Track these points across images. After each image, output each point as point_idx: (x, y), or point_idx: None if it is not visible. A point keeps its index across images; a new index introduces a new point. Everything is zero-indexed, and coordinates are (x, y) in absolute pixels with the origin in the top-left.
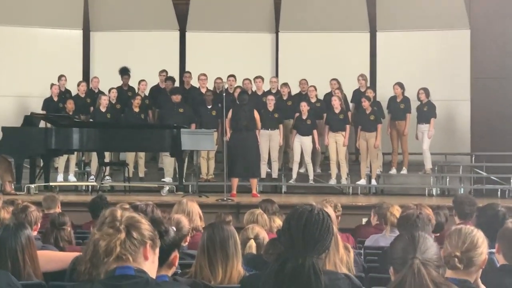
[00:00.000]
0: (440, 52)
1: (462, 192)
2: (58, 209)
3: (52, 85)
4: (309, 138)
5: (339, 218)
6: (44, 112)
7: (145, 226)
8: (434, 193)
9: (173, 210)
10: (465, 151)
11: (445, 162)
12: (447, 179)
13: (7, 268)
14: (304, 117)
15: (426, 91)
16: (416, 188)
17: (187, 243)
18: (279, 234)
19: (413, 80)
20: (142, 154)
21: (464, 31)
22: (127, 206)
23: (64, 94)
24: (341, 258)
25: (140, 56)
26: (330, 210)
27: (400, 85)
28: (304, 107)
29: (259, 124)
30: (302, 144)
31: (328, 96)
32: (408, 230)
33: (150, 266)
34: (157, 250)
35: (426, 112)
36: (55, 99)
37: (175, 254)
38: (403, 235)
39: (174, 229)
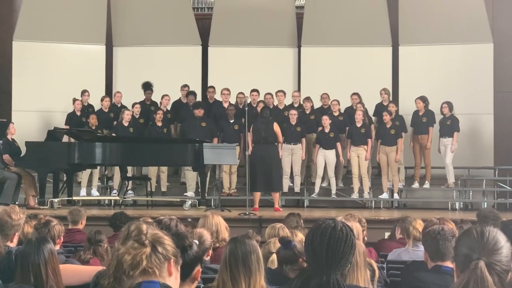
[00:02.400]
0: (463, 66)
1: (485, 206)
2: (82, 225)
3: (74, 100)
4: (333, 152)
5: (365, 232)
6: (67, 126)
7: (168, 242)
8: (457, 207)
9: (199, 224)
10: (488, 164)
11: (468, 176)
12: (470, 193)
13: (29, 282)
14: (327, 130)
15: (449, 105)
16: (439, 202)
17: (209, 257)
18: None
19: (435, 94)
20: (164, 169)
21: (487, 44)
22: (150, 220)
23: (87, 109)
24: (365, 273)
25: (162, 71)
26: (356, 225)
27: (423, 99)
28: (326, 121)
29: (280, 137)
30: (326, 158)
31: (350, 110)
32: (480, 224)
33: (173, 282)
34: (179, 267)
35: (449, 126)
36: (78, 113)
37: (198, 268)
38: (471, 230)
39: (197, 242)
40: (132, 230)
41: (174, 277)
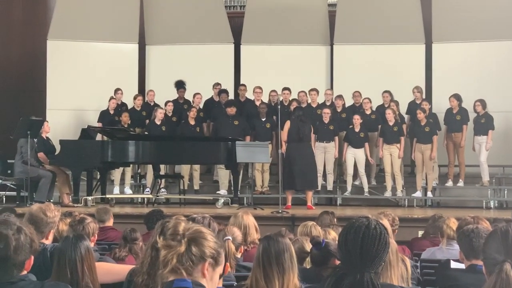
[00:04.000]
0: (497, 63)
1: None
2: (111, 220)
3: (111, 98)
4: (362, 150)
5: (396, 231)
6: (99, 124)
7: (209, 243)
8: (492, 206)
9: (229, 223)
10: None
11: (503, 174)
12: (505, 192)
13: (66, 278)
14: (357, 129)
15: (482, 102)
16: (473, 200)
17: (241, 254)
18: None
19: (469, 91)
20: (197, 167)
21: None
22: (183, 218)
23: (120, 107)
24: (398, 271)
25: (195, 69)
26: (386, 223)
27: (457, 97)
28: (357, 120)
29: (312, 137)
30: (356, 156)
31: (381, 108)
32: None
33: (208, 283)
34: (220, 268)
35: (484, 124)
36: (112, 112)
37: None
38: (496, 230)
39: (231, 238)
40: (169, 228)
41: (210, 279)
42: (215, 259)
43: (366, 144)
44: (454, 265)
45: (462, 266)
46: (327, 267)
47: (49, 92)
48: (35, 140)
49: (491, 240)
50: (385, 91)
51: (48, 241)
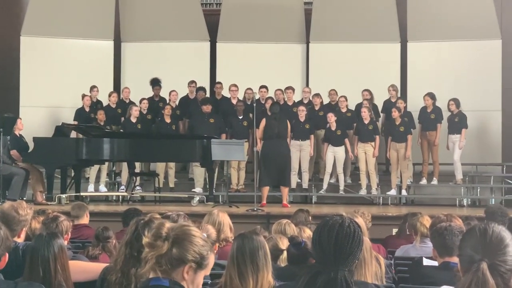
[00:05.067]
0: (472, 62)
1: (493, 202)
2: (87, 218)
3: (84, 95)
4: (342, 148)
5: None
6: (75, 122)
7: (194, 247)
8: (465, 204)
9: (203, 220)
10: (496, 161)
11: (476, 173)
12: (478, 190)
13: (38, 277)
14: (333, 128)
15: (456, 101)
16: (447, 198)
17: (216, 252)
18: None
19: (444, 90)
20: (172, 164)
21: (495, 41)
22: (158, 216)
23: (96, 105)
24: (372, 268)
25: (170, 66)
26: (360, 221)
27: (431, 95)
28: (331, 117)
29: (289, 135)
30: (336, 154)
31: (359, 106)
32: (487, 220)
33: (188, 286)
34: (204, 272)
35: (458, 123)
36: (87, 109)
37: None
38: (474, 228)
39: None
40: (153, 228)
41: (190, 281)
42: (199, 263)
43: (346, 140)
44: (426, 262)
45: (435, 263)
46: (303, 265)
47: (22, 89)
48: (8, 137)
49: (469, 237)
50: (365, 90)
51: (20, 240)
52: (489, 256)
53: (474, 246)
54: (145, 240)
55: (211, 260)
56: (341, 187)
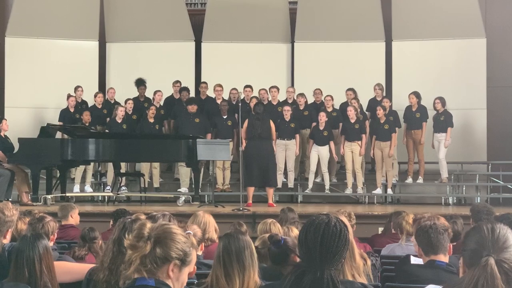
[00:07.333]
0: (456, 61)
1: (478, 201)
2: (72, 218)
3: (68, 96)
4: (326, 148)
5: (354, 227)
6: (60, 123)
7: (176, 244)
8: (451, 202)
9: (189, 221)
10: (481, 159)
11: (462, 171)
12: (464, 188)
13: (24, 278)
14: (321, 128)
15: (442, 100)
16: (432, 197)
17: (202, 251)
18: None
19: (429, 89)
20: (156, 164)
21: (480, 40)
22: (143, 216)
23: (81, 105)
24: (358, 267)
25: (156, 66)
26: (344, 220)
27: (416, 94)
28: (322, 117)
29: (274, 134)
30: (319, 153)
31: (344, 105)
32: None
33: (174, 283)
34: (188, 268)
35: (443, 122)
36: (72, 110)
37: None
38: (482, 225)
39: (192, 233)
40: (135, 229)
41: (175, 279)
42: (182, 260)
43: (332, 143)
44: (414, 260)
45: (421, 261)
46: (287, 264)
47: (7, 89)
48: None
49: (475, 233)
50: (349, 89)
51: (6, 240)
52: (496, 253)
53: (481, 242)
54: (126, 242)
55: (194, 256)
56: (327, 187)
